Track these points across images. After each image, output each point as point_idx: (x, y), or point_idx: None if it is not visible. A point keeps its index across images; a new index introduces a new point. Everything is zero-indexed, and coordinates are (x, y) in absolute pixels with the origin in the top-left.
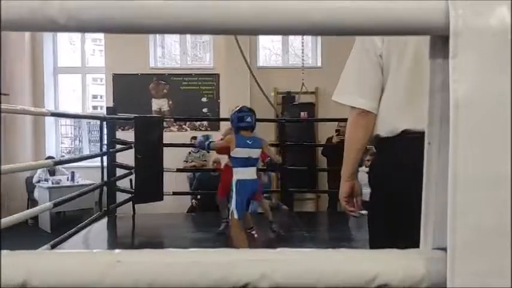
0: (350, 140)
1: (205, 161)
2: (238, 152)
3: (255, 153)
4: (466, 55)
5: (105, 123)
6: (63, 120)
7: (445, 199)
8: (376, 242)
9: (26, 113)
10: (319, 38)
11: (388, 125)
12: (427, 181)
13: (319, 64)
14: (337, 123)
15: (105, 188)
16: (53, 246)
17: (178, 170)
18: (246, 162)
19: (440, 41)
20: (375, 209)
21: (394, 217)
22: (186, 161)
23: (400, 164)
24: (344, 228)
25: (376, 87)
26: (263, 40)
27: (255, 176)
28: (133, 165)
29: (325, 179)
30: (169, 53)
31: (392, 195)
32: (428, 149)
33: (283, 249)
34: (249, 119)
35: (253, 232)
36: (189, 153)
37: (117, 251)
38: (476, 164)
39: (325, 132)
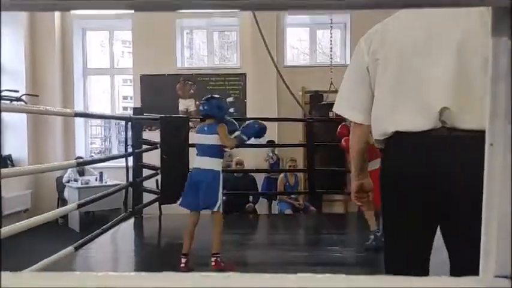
0: (350, 146)
1: (230, 161)
2: (195, 139)
3: (208, 139)
4: None
5: (130, 123)
6: (93, 121)
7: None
8: (385, 236)
9: (49, 113)
10: (348, 35)
11: (379, 129)
12: (488, 194)
13: (348, 62)
14: None
15: (130, 189)
16: (80, 246)
17: None
18: (199, 149)
19: (503, 13)
20: (383, 207)
21: (393, 214)
22: None
23: (394, 164)
24: (350, 231)
25: (365, 100)
26: (290, 39)
27: (207, 167)
28: (159, 166)
29: None
30: (196, 54)
31: (391, 194)
32: (490, 153)
33: None
34: (201, 107)
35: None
36: None
37: (100, 274)
38: None
39: None
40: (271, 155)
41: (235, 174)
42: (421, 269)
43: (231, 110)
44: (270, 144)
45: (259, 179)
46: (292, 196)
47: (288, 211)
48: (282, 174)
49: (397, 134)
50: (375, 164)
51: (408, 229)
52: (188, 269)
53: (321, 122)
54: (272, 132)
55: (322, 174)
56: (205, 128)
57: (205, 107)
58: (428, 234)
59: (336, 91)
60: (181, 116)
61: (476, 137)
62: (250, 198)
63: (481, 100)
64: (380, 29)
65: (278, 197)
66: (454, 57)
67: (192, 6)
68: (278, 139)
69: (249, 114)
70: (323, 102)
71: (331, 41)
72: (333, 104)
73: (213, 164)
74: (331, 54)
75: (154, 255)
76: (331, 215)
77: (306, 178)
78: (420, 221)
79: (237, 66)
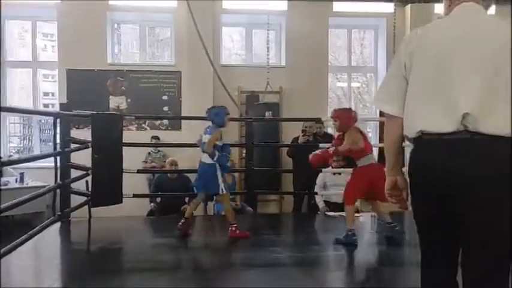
0: (384, 140)
1: (165, 161)
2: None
3: (207, 139)
4: None
5: (58, 120)
6: (11, 118)
7: None
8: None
9: None
10: (283, 37)
11: (407, 127)
12: None
13: (283, 63)
14: (302, 123)
15: (58, 191)
16: (2, 254)
17: (139, 171)
18: (202, 147)
19: None
20: (411, 200)
21: (419, 207)
22: (146, 162)
23: (418, 162)
24: (310, 231)
25: (401, 96)
26: (226, 38)
27: (206, 161)
28: (90, 166)
29: (290, 180)
30: (127, 49)
31: (416, 188)
32: None
33: None
34: (206, 114)
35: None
36: (149, 153)
37: None
38: None
39: (289, 132)
40: None
41: (168, 175)
42: (451, 259)
43: (165, 108)
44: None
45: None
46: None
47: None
48: None
49: (423, 133)
50: (364, 161)
51: (430, 224)
52: (184, 231)
53: (256, 122)
54: None
55: (258, 174)
56: (208, 130)
57: (208, 114)
58: (449, 231)
59: (271, 92)
60: (114, 113)
61: (498, 141)
62: (186, 199)
63: (506, 108)
64: (420, 32)
65: (214, 197)
66: (484, 67)
67: None
68: None
69: (184, 112)
70: (259, 103)
71: (267, 41)
72: (270, 103)
73: (209, 159)
74: (267, 55)
75: (84, 262)
76: (267, 216)
77: (241, 178)
78: (439, 219)
79: (172, 63)
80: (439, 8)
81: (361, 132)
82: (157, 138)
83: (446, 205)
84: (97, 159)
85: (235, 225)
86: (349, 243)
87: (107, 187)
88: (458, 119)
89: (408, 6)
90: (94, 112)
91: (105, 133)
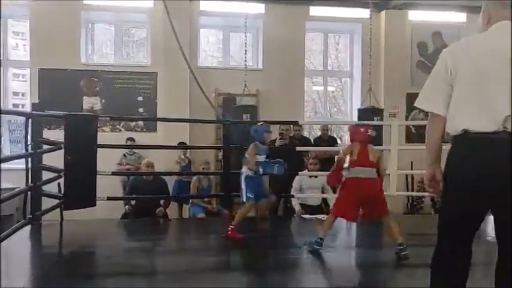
0: (427, 136)
1: (140, 163)
2: None
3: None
4: None
5: (30, 120)
6: None
7: None
8: (443, 214)
9: None
10: (260, 39)
11: (451, 125)
12: None
13: (260, 66)
14: (279, 126)
15: (29, 193)
16: None
17: (114, 174)
18: None
19: None
20: (444, 194)
21: (455, 203)
22: (120, 164)
23: (460, 156)
24: (286, 233)
25: (444, 97)
26: (204, 40)
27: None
28: (63, 168)
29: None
30: (100, 50)
31: (455, 180)
32: None
33: None
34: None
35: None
36: (124, 155)
37: None
38: None
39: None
40: (183, 157)
41: (144, 177)
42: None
43: (141, 109)
44: (183, 146)
45: (170, 182)
46: (205, 199)
47: (201, 215)
48: (195, 177)
49: (465, 132)
50: (351, 173)
51: (460, 211)
52: (233, 236)
53: (235, 125)
54: (184, 134)
55: (235, 177)
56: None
57: (250, 131)
58: (475, 221)
59: (249, 94)
60: (89, 114)
61: None
62: (161, 202)
63: None
64: (464, 42)
65: (191, 200)
66: None
67: None
68: (190, 141)
69: (160, 114)
70: (236, 105)
71: (245, 44)
72: (247, 106)
73: (243, 168)
74: (245, 58)
75: (55, 265)
76: (245, 218)
77: (217, 181)
78: (471, 209)
79: (148, 64)
80: (413, 15)
81: (364, 149)
82: (132, 140)
83: (481, 194)
84: (70, 160)
85: (232, 227)
86: (313, 251)
87: (80, 189)
88: (500, 121)
89: (383, 12)
90: (67, 113)
91: (78, 134)
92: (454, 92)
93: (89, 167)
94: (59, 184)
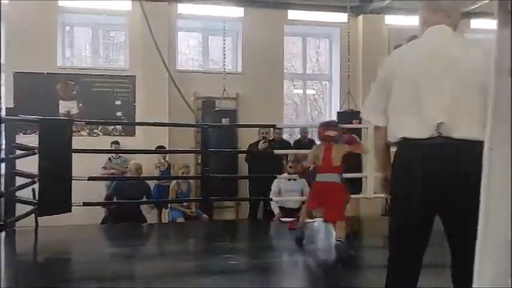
0: (374, 145)
1: (126, 167)
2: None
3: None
4: None
5: (3, 125)
6: None
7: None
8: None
9: None
10: (239, 43)
11: (391, 134)
12: (485, 209)
13: (239, 70)
14: (258, 129)
15: (2, 199)
16: None
17: (90, 179)
18: None
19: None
20: (392, 200)
21: (398, 208)
22: (105, 168)
23: (401, 160)
24: (265, 237)
25: (384, 108)
26: (183, 44)
27: None
28: (37, 173)
29: (247, 186)
30: (79, 53)
31: (395, 190)
32: (490, 157)
33: None
34: None
35: None
36: (109, 159)
37: None
38: None
39: (246, 138)
40: (162, 161)
41: (131, 181)
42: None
43: (119, 113)
44: (161, 150)
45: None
46: (184, 204)
47: (180, 219)
48: (174, 181)
49: (404, 139)
50: (324, 178)
51: (409, 213)
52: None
53: (214, 129)
54: (163, 137)
55: (214, 181)
56: None
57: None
58: (423, 224)
59: (228, 98)
60: (63, 118)
61: (467, 144)
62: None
63: (473, 117)
64: (402, 49)
65: (170, 205)
66: (454, 83)
67: None
68: (169, 145)
69: (139, 117)
70: (216, 109)
71: (224, 47)
72: (226, 110)
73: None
74: (224, 61)
75: (30, 273)
76: (223, 222)
77: (197, 185)
78: (420, 210)
79: (126, 67)
80: (389, 19)
81: (328, 151)
82: (117, 143)
83: (426, 196)
84: (45, 166)
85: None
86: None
87: (55, 195)
88: (433, 127)
89: (361, 17)
90: (42, 117)
91: (53, 139)
92: (391, 101)
93: (63, 172)
94: (33, 190)
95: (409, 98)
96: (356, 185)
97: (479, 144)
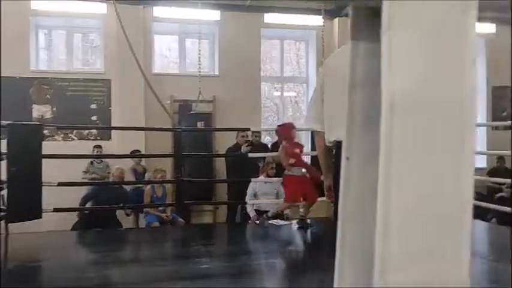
0: (317, 151)
1: (109, 173)
2: None
3: None
4: (406, 29)
5: None
6: None
7: (366, 238)
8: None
9: None
10: (216, 45)
11: (326, 137)
12: (343, 213)
13: (216, 72)
14: (236, 133)
15: None
16: None
17: (60, 184)
18: None
19: (367, 17)
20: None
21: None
22: (86, 172)
23: (335, 163)
24: (242, 240)
25: (321, 114)
26: (160, 47)
27: None
28: (5, 180)
29: (225, 189)
30: (54, 57)
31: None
32: (347, 166)
33: None
34: None
35: None
36: (91, 163)
37: None
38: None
39: (223, 141)
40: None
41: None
42: None
43: (94, 117)
44: (136, 154)
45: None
46: (160, 208)
47: (155, 224)
48: (148, 186)
49: (336, 141)
50: (296, 171)
51: None
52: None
53: (190, 132)
54: (139, 142)
55: (191, 185)
56: None
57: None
58: None
59: (204, 101)
60: (33, 123)
61: None
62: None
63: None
64: (333, 55)
65: (145, 209)
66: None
67: None
68: (146, 149)
69: (114, 122)
70: (192, 112)
71: (199, 50)
72: (202, 113)
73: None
74: (199, 64)
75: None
76: (199, 226)
77: (174, 189)
78: None
79: (101, 71)
80: None
81: (295, 147)
82: (99, 147)
83: None
84: (14, 172)
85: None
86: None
87: (24, 201)
88: None
89: (336, 20)
90: (10, 122)
91: (22, 144)
92: (324, 105)
93: (33, 177)
94: (2, 196)
95: (335, 100)
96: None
97: None
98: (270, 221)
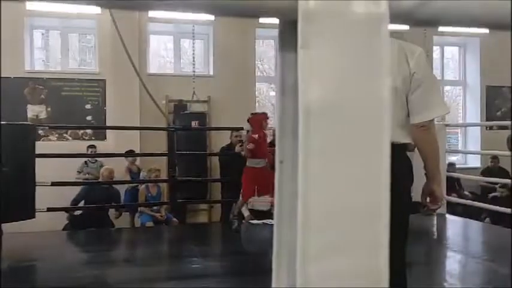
0: (437, 148)
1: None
2: None
3: None
4: (320, 45)
5: None
6: None
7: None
8: None
9: None
10: (211, 46)
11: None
12: (278, 213)
13: (211, 73)
14: (231, 132)
15: None
16: None
17: (54, 184)
18: None
19: (291, 28)
20: None
21: None
22: (80, 172)
23: None
24: (235, 240)
25: None
26: (155, 47)
27: None
28: None
29: (219, 188)
30: (49, 57)
31: None
32: (280, 169)
33: None
34: None
35: None
36: (85, 163)
37: None
38: (332, 194)
39: (217, 141)
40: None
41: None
42: None
43: (89, 117)
44: (130, 153)
45: (121, 190)
46: (154, 208)
47: (149, 223)
48: (143, 185)
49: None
50: (255, 163)
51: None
52: None
53: (185, 132)
54: (134, 141)
55: (186, 184)
56: None
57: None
58: None
59: (198, 101)
60: (26, 123)
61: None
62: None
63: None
64: None
65: (139, 209)
66: None
67: None
68: (141, 149)
69: (109, 121)
70: (186, 112)
71: (193, 50)
72: (197, 113)
73: None
74: (193, 64)
75: None
76: (194, 226)
77: (168, 188)
78: None
79: (96, 71)
80: None
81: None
82: (93, 147)
83: None
84: (6, 172)
85: None
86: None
87: (17, 201)
88: None
89: None
90: (3, 122)
91: (15, 144)
92: None
93: (26, 177)
94: None
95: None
96: None
97: (395, 146)
98: (263, 221)
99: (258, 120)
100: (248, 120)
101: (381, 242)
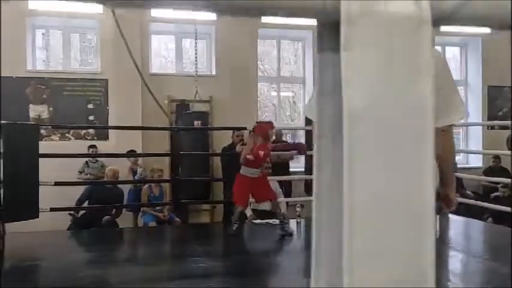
0: (452, 154)
1: (103, 172)
2: None
3: None
4: (363, 47)
5: None
6: None
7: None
8: None
9: None
10: (213, 45)
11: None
12: (317, 218)
13: (213, 72)
14: (233, 132)
15: None
16: None
17: (57, 184)
18: None
19: (331, 29)
20: None
21: None
22: (82, 172)
23: None
24: (238, 240)
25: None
26: (158, 47)
27: None
28: (1, 179)
29: (221, 188)
30: (51, 57)
31: None
32: (318, 171)
33: None
34: None
35: None
36: (87, 163)
37: None
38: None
39: (220, 141)
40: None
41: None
42: None
43: (91, 117)
44: (133, 153)
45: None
46: (157, 207)
47: (152, 223)
48: (146, 185)
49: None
50: (249, 172)
51: None
52: None
53: (187, 132)
54: (136, 141)
55: (189, 184)
56: None
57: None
58: None
59: (201, 100)
60: (29, 123)
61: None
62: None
63: None
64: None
65: (142, 209)
66: None
67: None
68: (143, 149)
69: (112, 121)
70: (188, 111)
71: (195, 50)
72: (199, 113)
73: None
74: (196, 64)
75: None
76: (196, 226)
77: (171, 188)
78: None
79: (98, 71)
80: None
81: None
82: (94, 147)
83: None
84: (10, 171)
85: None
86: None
87: (21, 201)
88: None
89: None
90: (5, 122)
91: (18, 144)
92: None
93: (30, 177)
94: None
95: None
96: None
97: None
98: (267, 220)
99: (264, 130)
100: (253, 129)
101: (427, 243)
